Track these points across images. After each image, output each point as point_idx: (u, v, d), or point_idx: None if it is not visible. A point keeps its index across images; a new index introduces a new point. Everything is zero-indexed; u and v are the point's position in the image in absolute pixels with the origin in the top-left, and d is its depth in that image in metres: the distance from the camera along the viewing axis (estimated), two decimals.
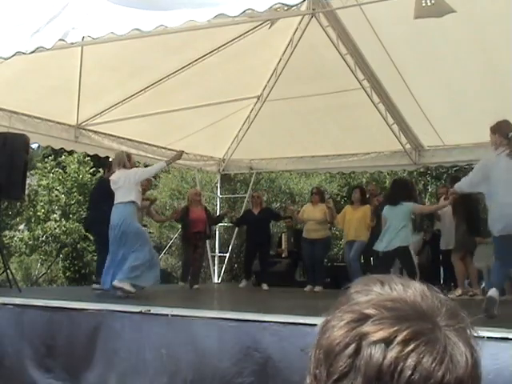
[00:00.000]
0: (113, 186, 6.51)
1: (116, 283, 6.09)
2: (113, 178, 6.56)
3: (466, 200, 7.56)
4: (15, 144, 6.92)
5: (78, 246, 16.81)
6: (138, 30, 4.28)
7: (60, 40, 4.37)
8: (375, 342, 0.64)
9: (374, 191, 9.71)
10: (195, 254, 8.78)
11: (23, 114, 7.90)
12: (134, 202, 6.40)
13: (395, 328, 0.64)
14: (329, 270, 10.17)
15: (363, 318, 0.66)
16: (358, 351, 0.64)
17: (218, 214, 10.99)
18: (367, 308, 0.67)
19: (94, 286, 7.43)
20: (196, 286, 8.58)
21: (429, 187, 17.13)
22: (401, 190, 6.71)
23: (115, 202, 6.43)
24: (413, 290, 0.69)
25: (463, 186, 5.38)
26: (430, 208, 8.57)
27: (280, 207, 14.86)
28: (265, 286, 8.93)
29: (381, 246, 6.46)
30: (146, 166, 8.17)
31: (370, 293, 0.69)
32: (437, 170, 14.00)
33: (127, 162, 6.62)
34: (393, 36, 7.32)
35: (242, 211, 10.67)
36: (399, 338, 0.63)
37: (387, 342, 0.63)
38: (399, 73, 7.95)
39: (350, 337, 0.65)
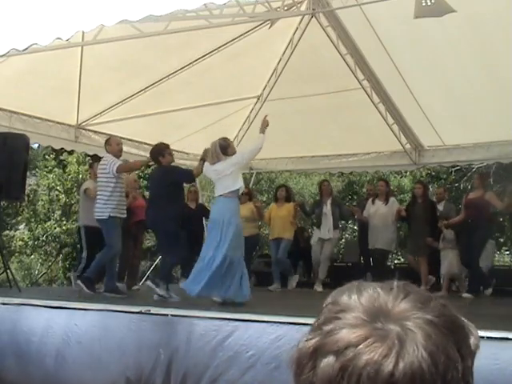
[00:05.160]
0: (216, 176, 6.06)
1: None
2: (217, 167, 6.04)
3: (427, 204, 8.18)
4: (15, 144, 6.92)
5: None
6: (126, 20, 4.29)
7: (57, 38, 4.37)
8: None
9: (372, 191, 9.67)
10: (135, 249, 8.11)
11: (23, 114, 7.89)
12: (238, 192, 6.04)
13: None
14: (328, 269, 10.13)
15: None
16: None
17: None
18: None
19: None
20: (136, 287, 8.08)
21: (430, 187, 17.16)
22: None
23: (218, 193, 6.02)
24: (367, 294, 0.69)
25: None
26: None
27: None
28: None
29: None
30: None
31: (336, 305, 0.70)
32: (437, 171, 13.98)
33: (228, 148, 6.16)
34: (393, 36, 7.31)
35: None
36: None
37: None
38: (399, 73, 7.94)
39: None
